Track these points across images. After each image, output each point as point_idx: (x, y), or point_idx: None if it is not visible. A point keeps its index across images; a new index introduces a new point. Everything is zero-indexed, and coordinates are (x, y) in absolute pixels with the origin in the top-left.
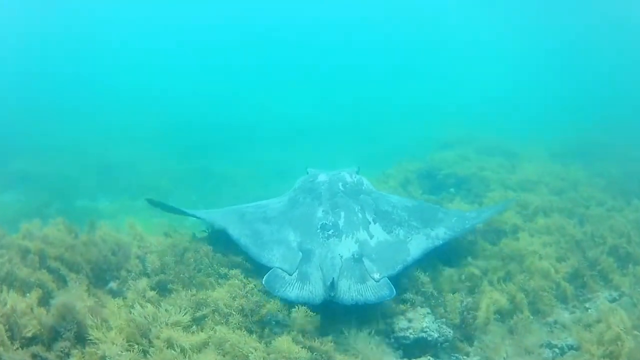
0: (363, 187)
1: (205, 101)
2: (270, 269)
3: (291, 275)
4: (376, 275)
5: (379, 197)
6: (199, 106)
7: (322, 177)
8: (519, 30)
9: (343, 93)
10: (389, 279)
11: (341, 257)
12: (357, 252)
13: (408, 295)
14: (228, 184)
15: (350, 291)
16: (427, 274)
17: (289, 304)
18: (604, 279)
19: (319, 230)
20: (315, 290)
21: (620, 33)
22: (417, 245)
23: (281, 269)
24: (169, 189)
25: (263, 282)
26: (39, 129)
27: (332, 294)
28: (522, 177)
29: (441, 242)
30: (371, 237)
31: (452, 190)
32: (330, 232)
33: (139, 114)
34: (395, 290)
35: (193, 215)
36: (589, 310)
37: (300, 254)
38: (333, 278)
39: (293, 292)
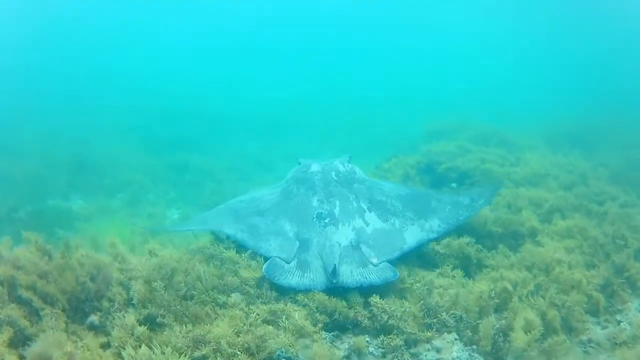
0: (356, 176)
1: (185, 94)
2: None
3: (289, 263)
4: (374, 260)
5: (372, 186)
6: (178, 100)
7: (315, 166)
8: (506, 18)
9: (331, 84)
10: (389, 260)
11: (339, 244)
12: (355, 239)
13: (431, 320)
14: (207, 177)
15: (353, 275)
16: (449, 291)
17: (292, 292)
18: (632, 286)
19: (315, 220)
20: (316, 277)
21: (609, 20)
22: (412, 234)
23: (279, 257)
24: (145, 184)
25: (263, 271)
26: (9, 126)
27: (335, 280)
28: (528, 170)
29: (435, 235)
30: (367, 224)
31: (453, 185)
32: (326, 221)
33: (116, 108)
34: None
35: (189, 230)
36: (622, 323)
37: (298, 243)
38: (335, 265)
39: (293, 279)
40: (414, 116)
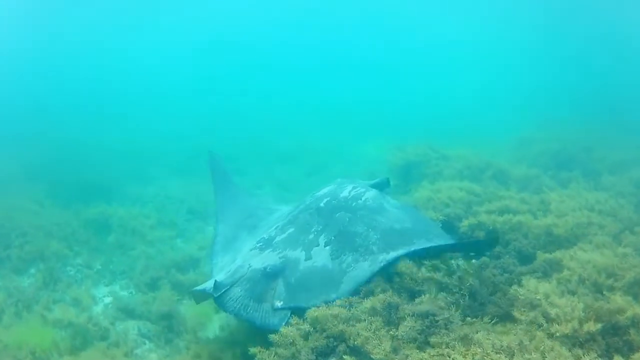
0: (353, 204)
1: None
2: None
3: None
4: (278, 304)
5: (364, 216)
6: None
7: (325, 190)
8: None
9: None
10: (295, 309)
11: (249, 266)
12: (272, 266)
13: None
14: (135, 238)
15: (236, 301)
16: None
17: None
18: None
19: (255, 244)
20: (208, 286)
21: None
22: (353, 278)
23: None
24: (62, 253)
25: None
26: None
27: (215, 294)
28: (570, 221)
29: (382, 264)
30: (307, 259)
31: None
32: (259, 245)
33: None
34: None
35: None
36: None
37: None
38: (215, 280)
39: (200, 286)
40: (365, 141)
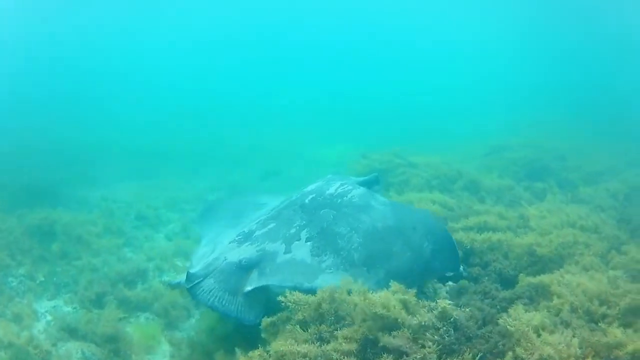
0: (339, 201)
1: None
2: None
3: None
4: (248, 287)
5: (348, 214)
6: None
7: (312, 186)
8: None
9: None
10: (268, 286)
11: (225, 259)
12: (248, 259)
13: None
14: (80, 246)
15: (210, 293)
16: None
17: None
18: None
19: (234, 237)
20: (183, 278)
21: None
22: (331, 280)
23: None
24: (4, 262)
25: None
26: None
27: (187, 285)
28: (554, 240)
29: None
30: (286, 252)
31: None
32: (238, 239)
33: None
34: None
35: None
36: None
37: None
38: (188, 271)
39: (176, 280)
40: (328, 146)
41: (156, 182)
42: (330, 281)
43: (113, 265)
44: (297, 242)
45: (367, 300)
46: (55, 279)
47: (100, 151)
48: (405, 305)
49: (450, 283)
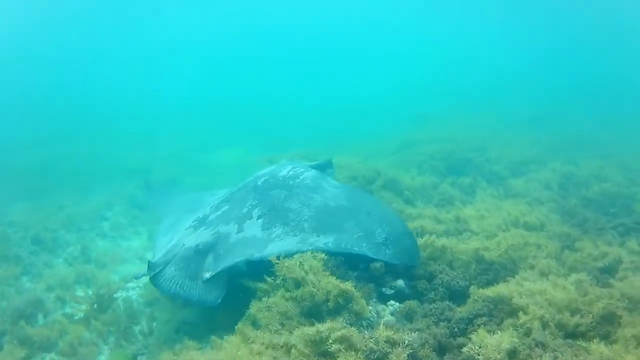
0: (291, 182)
1: None
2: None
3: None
4: (207, 275)
5: (300, 193)
6: None
7: (265, 170)
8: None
9: None
10: (224, 270)
11: (183, 245)
12: (205, 243)
13: None
14: None
15: (172, 281)
16: None
17: None
18: None
19: (190, 223)
20: (145, 269)
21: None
22: (280, 245)
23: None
24: None
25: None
26: None
27: (149, 274)
28: (502, 243)
29: (310, 248)
30: (238, 232)
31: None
32: (193, 224)
33: None
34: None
35: None
36: None
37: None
38: (149, 261)
39: (140, 272)
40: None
41: (50, 200)
42: (279, 247)
43: (11, 299)
44: (248, 220)
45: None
46: None
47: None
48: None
49: (393, 302)
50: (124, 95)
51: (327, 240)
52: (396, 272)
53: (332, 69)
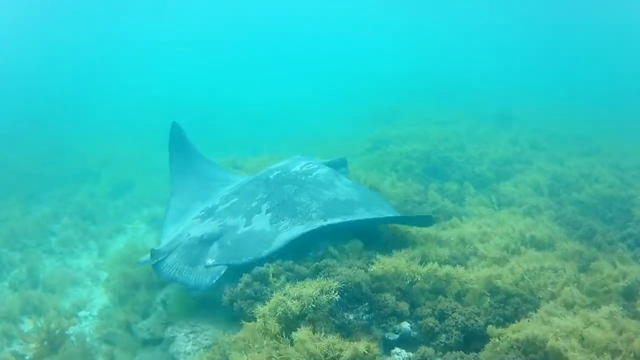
0: (303, 178)
1: None
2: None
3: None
4: (209, 261)
5: (311, 189)
6: None
7: (278, 164)
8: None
9: None
10: (231, 267)
11: (188, 235)
12: (210, 234)
13: None
14: None
15: (171, 267)
16: None
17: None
18: None
19: (198, 213)
20: (147, 256)
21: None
22: (285, 237)
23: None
24: None
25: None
26: None
27: (152, 262)
28: (513, 267)
29: (317, 227)
30: (246, 225)
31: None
32: (201, 215)
33: None
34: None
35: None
36: None
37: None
38: (152, 249)
39: (143, 257)
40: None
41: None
42: (286, 236)
43: None
44: (257, 214)
45: None
46: None
47: None
48: None
49: (399, 350)
50: (106, 92)
51: (334, 221)
52: (400, 315)
53: (299, 66)
